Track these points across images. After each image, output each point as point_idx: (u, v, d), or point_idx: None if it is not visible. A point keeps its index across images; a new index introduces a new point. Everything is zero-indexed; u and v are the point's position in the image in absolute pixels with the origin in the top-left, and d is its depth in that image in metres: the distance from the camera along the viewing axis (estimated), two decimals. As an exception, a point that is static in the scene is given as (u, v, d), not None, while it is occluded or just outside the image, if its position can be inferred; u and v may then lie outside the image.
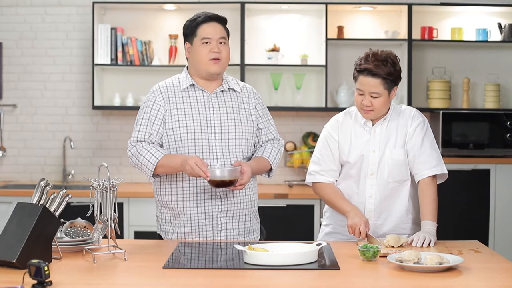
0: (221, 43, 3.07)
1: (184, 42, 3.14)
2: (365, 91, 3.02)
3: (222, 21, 3.12)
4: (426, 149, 3.08)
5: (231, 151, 3.07)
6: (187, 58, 3.15)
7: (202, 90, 3.10)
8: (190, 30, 3.10)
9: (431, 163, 3.07)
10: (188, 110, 3.06)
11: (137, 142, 3.06)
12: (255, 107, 3.18)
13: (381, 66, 2.99)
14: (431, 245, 2.88)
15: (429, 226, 2.97)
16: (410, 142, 3.09)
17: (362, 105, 3.06)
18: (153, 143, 3.06)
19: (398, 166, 3.09)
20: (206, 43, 3.05)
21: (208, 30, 3.06)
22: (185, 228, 3.08)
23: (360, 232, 2.95)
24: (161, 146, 3.09)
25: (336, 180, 3.19)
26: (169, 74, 3.32)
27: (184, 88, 3.09)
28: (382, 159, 3.09)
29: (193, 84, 3.10)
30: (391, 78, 3.01)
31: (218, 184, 2.90)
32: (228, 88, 3.14)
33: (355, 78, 3.07)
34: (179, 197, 3.07)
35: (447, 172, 3.11)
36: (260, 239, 3.25)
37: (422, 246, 2.86)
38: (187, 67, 3.16)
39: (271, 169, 3.21)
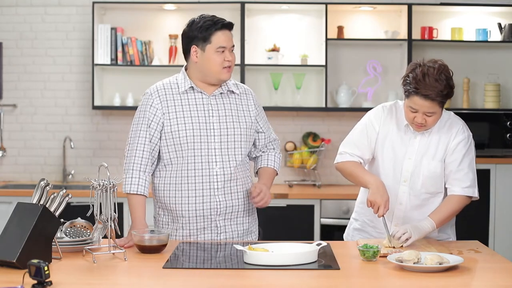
0: (231, 50, 3.06)
1: (190, 45, 3.04)
2: (420, 111, 2.90)
3: (232, 28, 3.09)
4: (464, 167, 2.99)
5: (230, 154, 3.06)
6: (186, 61, 3.09)
7: (201, 92, 3.08)
8: (202, 36, 3.00)
9: (465, 183, 2.98)
10: (187, 113, 3.04)
11: (133, 170, 3.04)
12: (255, 109, 3.18)
13: (438, 89, 2.83)
14: (408, 243, 2.82)
15: (427, 223, 2.92)
16: (451, 157, 3.00)
17: (414, 121, 2.94)
18: (153, 157, 3.06)
19: (434, 178, 3.01)
20: (222, 52, 3.01)
21: (223, 38, 3.01)
22: (183, 231, 3.08)
23: (379, 214, 2.89)
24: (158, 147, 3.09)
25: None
26: (169, 74, 3.31)
27: (183, 91, 3.07)
28: (418, 168, 3.01)
29: (192, 87, 3.07)
30: (448, 97, 2.89)
31: (145, 249, 2.76)
32: (227, 91, 3.12)
33: (406, 96, 2.91)
34: (178, 199, 3.06)
35: (478, 196, 3.02)
36: (257, 240, 3.25)
37: (399, 239, 2.82)
38: (185, 68, 3.13)
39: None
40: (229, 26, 3.05)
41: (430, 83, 2.84)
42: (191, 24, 3.04)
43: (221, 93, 3.10)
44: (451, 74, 2.92)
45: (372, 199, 2.91)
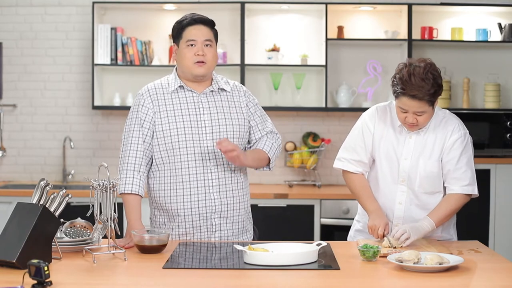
0: (206, 45, 3.06)
1: (173, 44, 3.14)
2: (409, 111, 2.89)
3: (208, 23, 3.10)
4: (462, 165, 2.97)
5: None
6: (175, 59, 3.16)
7: (191, 91, 3.09)
8: (176, 32, 3.09)
9: (464, 181, 2.97)
10: (178, 112, 3.06)
11: (127, 170, 3.05)
12: (246, 105, 3.17)
13: (425, 88, 2.81)
14: (407, 243, 2.82)
15: (426, 223, 2.92)
16: (448, 156, 2.98)
17: (406, 121, 2.93)
18: (147, 157, 3.07)
19: (431, 178, 3.00)
20: (191, 45, 3.04)
21: (193, 32, 3.05)
22: (179, 229, 3.08)
23: (379, 234, 2.92)
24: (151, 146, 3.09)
25: (367, 172, 3.12)
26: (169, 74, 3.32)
27: (173, 90, 3.09)
28: (415, 169, 3.00)
29: (182, 86, 3.09)
30: (436, 96, 2.88)
31: (145, 249, 2.77)
32: (218, 88, 3.13)
33: (395, 96, 2.91)
34: (173, 198, 3.06)
35: (477, 194, 3.01)
36: (253, 239, 3.24)
37: (398, 239, 2.82)
38: (176, 68, 3.16)
39: (269, 161, 3.16)
40: (199, 20, 3.07)
41: (417, 82, 2.83)
42: (173, 26, 3.14)
43: (211, 91, 3.12)
44: (439, 72, 2.90)
45: (372, 224, 2.95)
